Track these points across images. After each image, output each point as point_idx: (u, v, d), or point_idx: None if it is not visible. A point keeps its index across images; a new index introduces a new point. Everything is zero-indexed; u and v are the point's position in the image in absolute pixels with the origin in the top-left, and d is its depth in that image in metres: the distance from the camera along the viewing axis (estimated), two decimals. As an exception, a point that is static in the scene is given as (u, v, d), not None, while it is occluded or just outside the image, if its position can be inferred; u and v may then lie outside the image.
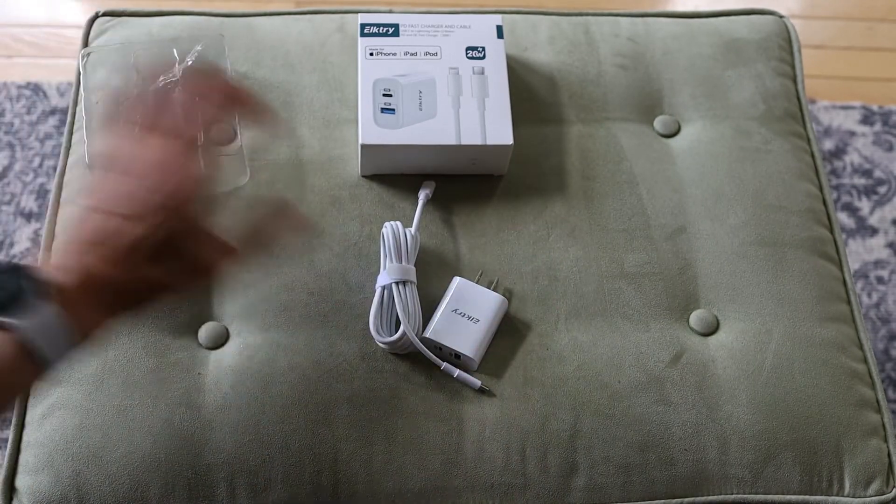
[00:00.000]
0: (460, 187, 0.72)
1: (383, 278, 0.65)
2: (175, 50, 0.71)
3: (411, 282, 0.65)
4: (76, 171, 0.73)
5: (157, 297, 0.56)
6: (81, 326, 0.51)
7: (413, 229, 0.68)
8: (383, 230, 0.67)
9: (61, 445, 0.61)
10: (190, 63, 0.71)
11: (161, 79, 0.70)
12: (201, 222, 0.56)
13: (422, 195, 0.70)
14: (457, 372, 0.64)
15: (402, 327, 0.63)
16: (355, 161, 0.72)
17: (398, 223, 0.67)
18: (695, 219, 0.72)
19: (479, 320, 0.65)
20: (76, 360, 0.52)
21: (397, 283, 0.64)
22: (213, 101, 0.59)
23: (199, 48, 0.71)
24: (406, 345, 0.64)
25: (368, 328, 0.64)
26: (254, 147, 0.72)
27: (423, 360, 0.64)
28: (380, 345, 0.64)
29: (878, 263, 1.22)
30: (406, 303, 0.64)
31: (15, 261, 0.52)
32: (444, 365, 0.64)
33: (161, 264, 0.54)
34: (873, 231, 1.24)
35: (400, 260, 0.65)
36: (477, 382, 0.64)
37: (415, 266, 0.66)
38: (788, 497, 0.63)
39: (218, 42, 0.73)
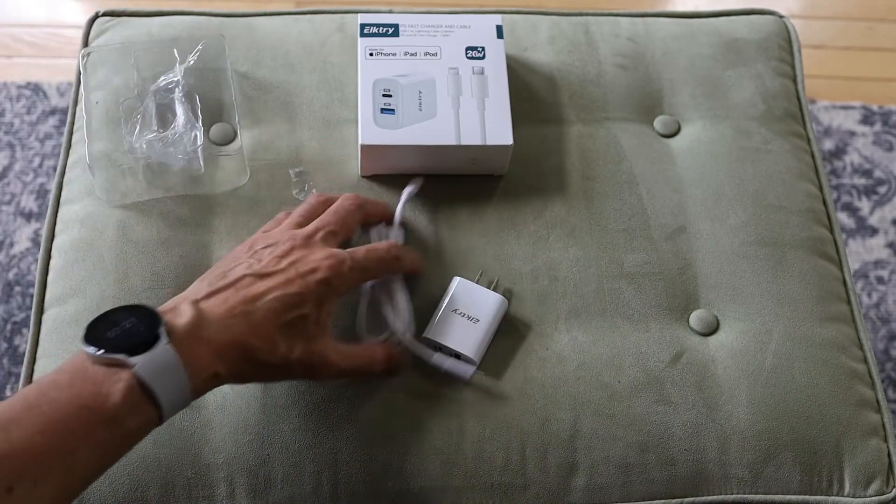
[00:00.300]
0: (460, 187, 0.72)
1: None
2: (175, 50, 0.71)
3: (397, 279, 0.65)
4: (76, 171, 0.73)
5: (270, 375, 0.57)
6: (197, 376, 0.51)
7: (395, 226, 0.67)
8: (371, 232, 0.66)
9: (61, 445, 0.61)
10: (191, 63, 0.71)
11: (162, 79, 0.70)
12: (329, 325, 0.58)
13: (406, 191, 0.69)
14: (447, 363, 0.63)
15: (389, 326, 0.63)
16: (355, 161, 0.72)
17: (384, 228, 0.67)
18: (695, 219, 0.72)
19: (479, 320, 0.65)
20: (183, 409, 0.52)
21: (382, 282, 0.64)
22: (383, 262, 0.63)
23: (200, 48, 0.71)
24: (395, 343, 0.64)
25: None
26: (254, 147, 0.72)
27: (422, 360, 0.64)
28: None
29: (878, 263, 1.22)
30: (393, 301, 0.64)
31: (143, 303, 0.53)
32: (435, 356, 0.63)
33: (290, 348, 0.55)
34: (873, 231, 1.24)
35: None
36: (468, 371, 0.63)
37: None
38: (788, 497, 0.63)
39: (218, 42, 0.73)
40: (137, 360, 0.49)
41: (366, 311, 0.64)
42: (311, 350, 0.56)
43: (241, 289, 0.55)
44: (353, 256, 0.60)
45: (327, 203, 0.65)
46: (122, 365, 0.49)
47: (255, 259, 0.57)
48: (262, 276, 0.56)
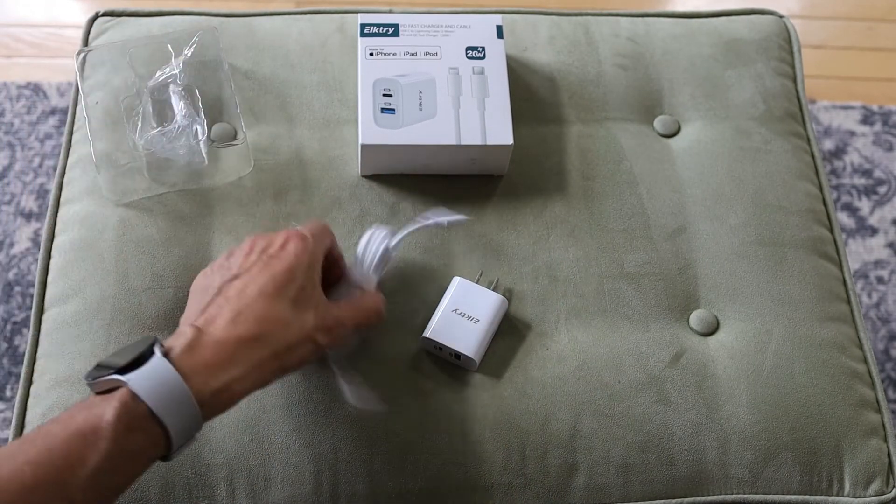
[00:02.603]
0: (460, 187, 0.72)
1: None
2: (169, 45, 0.71)
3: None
4: (76, 171, 0.73)
5: (291, 358, 0.55)
6: (204, 386, 0.49)
7: (393, 242, 0.65)
8: (364, 235, 0.64)
9: (61, 445, 0.61)
10: (188, 55, 0.71)
11: (158, 73, 0.70)
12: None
13: (431, 221, 0.66)
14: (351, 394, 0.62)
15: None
16: (355, 161, 0.72)
17: (378, 233, 0.64)
18: (695, 219, 0.72)
19: (479, 320, 0.65)
20: (198, 432, 0.50)
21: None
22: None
23: (196, 40, 0.71)
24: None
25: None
26: (254, 147, 0.72)
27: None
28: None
29: (878, 263, 1.22)
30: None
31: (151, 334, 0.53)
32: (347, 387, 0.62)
33: (302, 319, 0.54)
34: (873, 231, 1.24)
35: (363, 268, 0.63)
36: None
37: (379, 277, 0.64)
38: (788, 497, 0.63)
39: (212, 35, 0.73)
40: (130, 377, 0.47)
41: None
42: (323, 314, 0.55)
43: (229, 293, 0.53)
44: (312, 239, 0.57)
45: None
46: (117, 386, 0.47)
47: (225, 269, 0.56)
48: (240, 275, 0.54)
